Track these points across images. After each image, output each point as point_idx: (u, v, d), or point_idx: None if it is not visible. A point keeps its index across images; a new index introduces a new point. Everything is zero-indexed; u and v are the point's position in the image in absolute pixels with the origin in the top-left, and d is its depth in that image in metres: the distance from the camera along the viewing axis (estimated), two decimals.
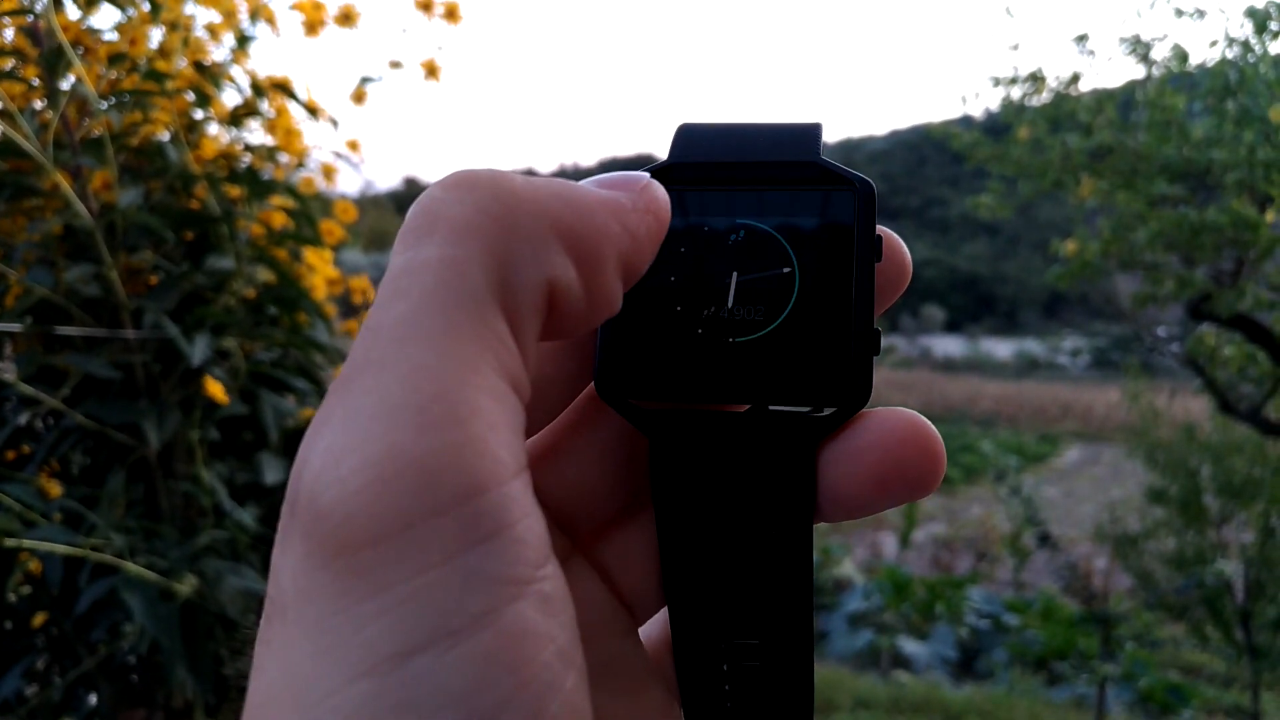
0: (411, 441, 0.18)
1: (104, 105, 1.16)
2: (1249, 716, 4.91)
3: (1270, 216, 2.99)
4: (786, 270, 0.25)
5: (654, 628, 0.29)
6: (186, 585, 1.09)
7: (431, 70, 1.49)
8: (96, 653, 1.18)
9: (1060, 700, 5.09)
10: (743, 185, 0.27)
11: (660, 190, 0.24)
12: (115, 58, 1.20)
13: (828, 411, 0.25)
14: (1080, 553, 6.43)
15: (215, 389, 1.15)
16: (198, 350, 1.14)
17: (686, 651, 0.27)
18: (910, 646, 5.97)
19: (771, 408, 0.25)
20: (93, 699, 1.21)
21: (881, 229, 0.26)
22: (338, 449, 0.19)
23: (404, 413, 0.19)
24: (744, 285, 0.25)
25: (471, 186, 0.22)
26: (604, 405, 0.27)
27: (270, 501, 1.30)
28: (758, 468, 0.25)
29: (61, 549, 1.01)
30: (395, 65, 1.49)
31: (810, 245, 0.25)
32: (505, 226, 0.21)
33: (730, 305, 0.25)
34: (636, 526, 0.28)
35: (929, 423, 0.24)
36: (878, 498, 0.24)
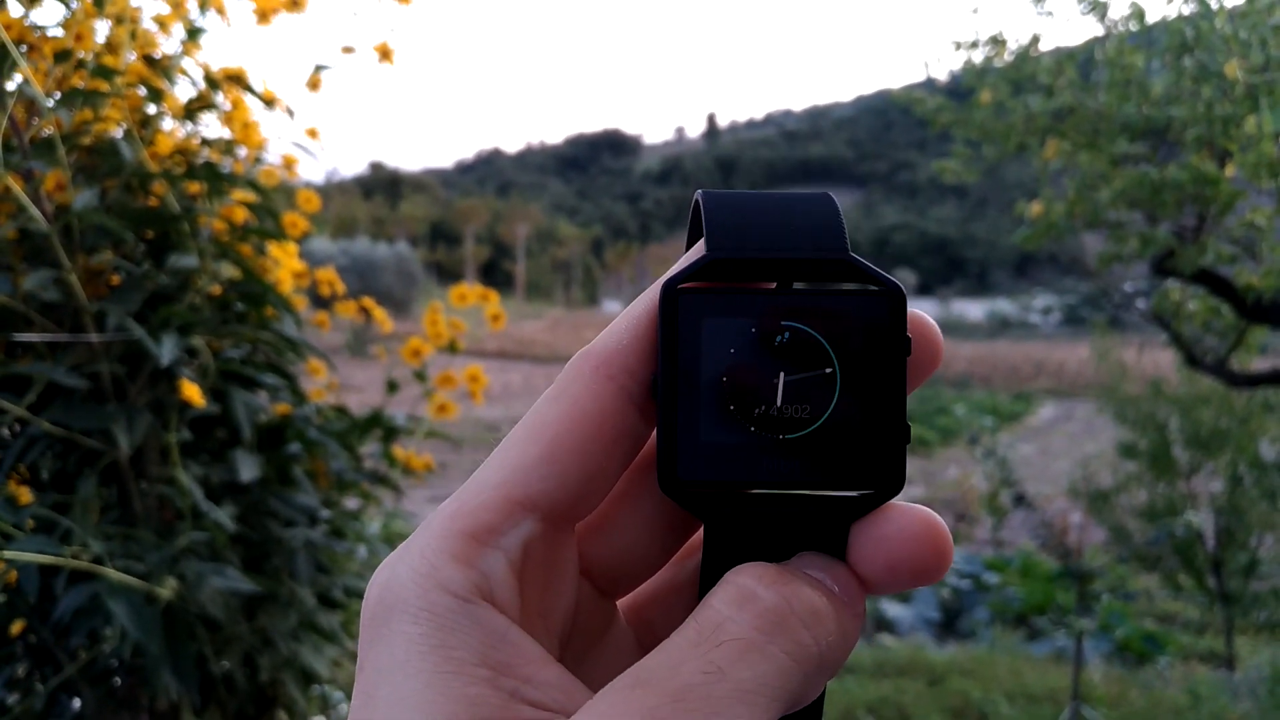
0: None
1: (52, 104, 1.14)
2: (1223, 660, 5.04)
3: (1229, 171, 3.01)
4: (829, 371, 0.28)
5: None
6: (167, 588, 1.08)
7: (385, 54, 1.47)
8: (77, 658, 1.17)
9: (1040, 655, 5.19)
10: (783, 284, 0.30)
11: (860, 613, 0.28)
12: (61, 54, 1.17)
13: (862, 495, 0.29)
14: (1056, 509, 6.53)
15: (191, 391, 1.14)
16: (166, 350, 1.12)
17: None
18: (894, 609, 6.05)
19: (815, 493, 0.29)
20: (76, 704, 1.21)
21: (914, 315, 0.29)
22: None
23: None
24: (790, 385, 0.28)
25: None
26: (646, 481, 0.31)
27: (246, 499, 1.30)
28: (799, 542, 0.29)
29: (41, 559, 1.00)
30: (348, 50, 1.47)
31: (848, 346, 0.28)
32: None
33: (779, 404, 0.28)
34: (672, 588, 0.32)
35: (942, 523, 0.28)
36: (888, 581, 0.28)
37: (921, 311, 0.29)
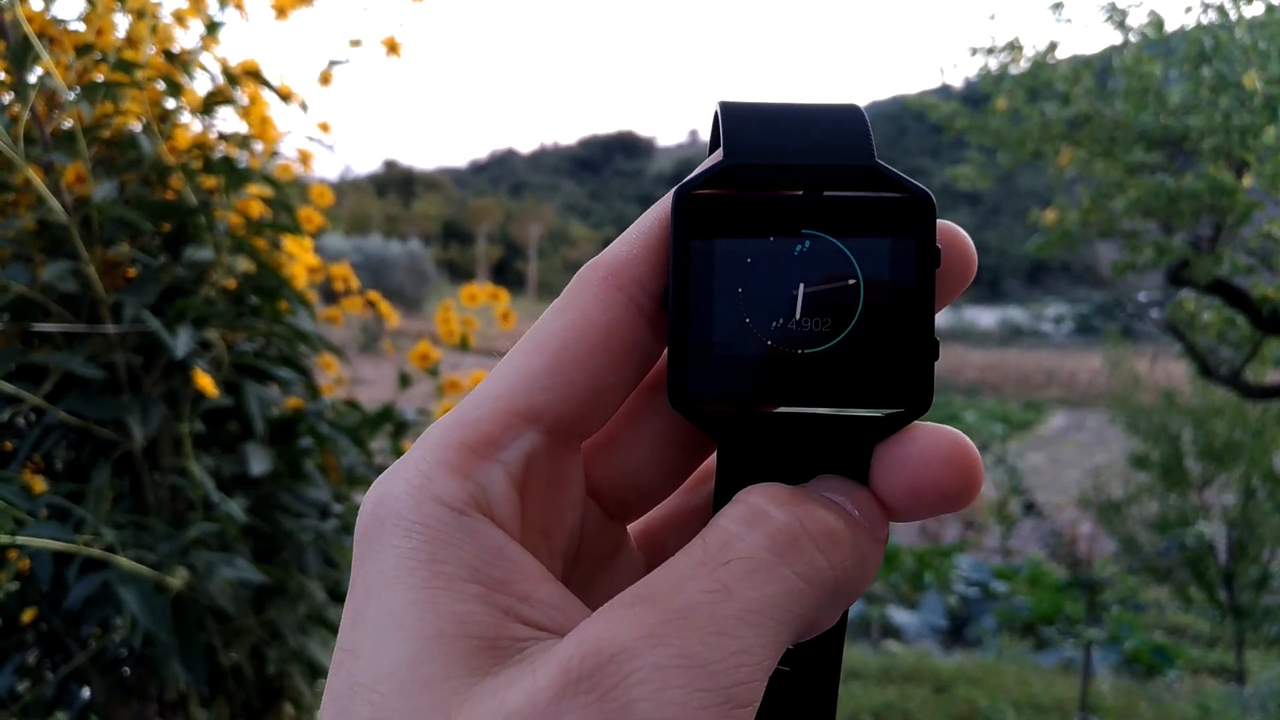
0: None
1: (73, 97, 1.15)
2: (1233, 674, 5.00)
3: (1246, 182, 3.00)
4: (851, 282, 0.26)
5: None
6: (177, 578, 1.09)
7: (392, 47, 1.48)
8: (88, 647, 1.18)
9: (1048, 665, 5.17)
10: (805, 192, 0.27)
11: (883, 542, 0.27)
12: (82, 48, 1.18)
13: (887, 414, 0.27)
14: (1065, 518, 6.50)
15: (204, 382, 1.14)
16: (181, 342, 1.13)
17: None
18: (900, 616, 6.03)
19: (836, 412, 0.27)
20: (86, 693, 1.22)
21: (945, 225, 0.27)
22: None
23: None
24: (810, 297, 0.26)
25: None
26: (657, 399, 0.29)
27: (257, 492, 1.30)
28: (818, 464, 0.27)
29: (54, 545, 1.01)
30: (355, 44, 1.49)
31: (873, 256, 0.26)
32: None
33: (798, 317, 0.26)
34: (686, 514, 0.31)
35: (971, 445, 0.26)
36: (913, 505, 0.26)
37: (953, 222, 0.28)
